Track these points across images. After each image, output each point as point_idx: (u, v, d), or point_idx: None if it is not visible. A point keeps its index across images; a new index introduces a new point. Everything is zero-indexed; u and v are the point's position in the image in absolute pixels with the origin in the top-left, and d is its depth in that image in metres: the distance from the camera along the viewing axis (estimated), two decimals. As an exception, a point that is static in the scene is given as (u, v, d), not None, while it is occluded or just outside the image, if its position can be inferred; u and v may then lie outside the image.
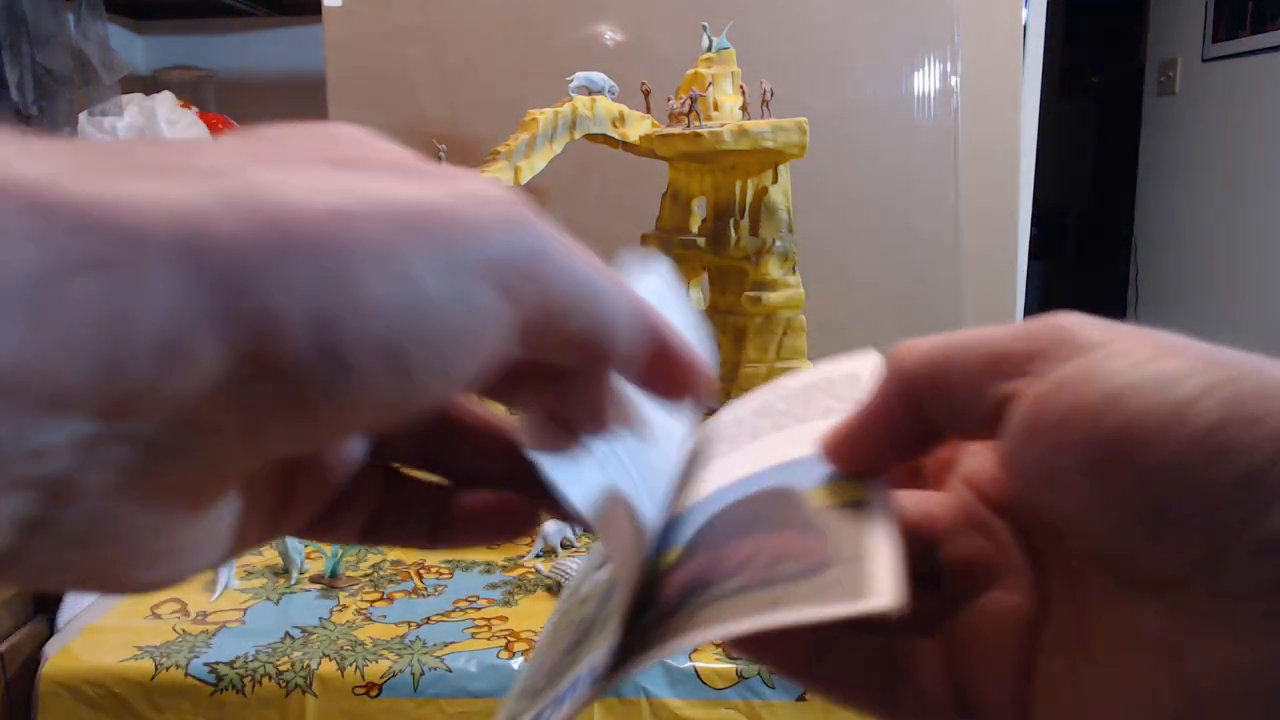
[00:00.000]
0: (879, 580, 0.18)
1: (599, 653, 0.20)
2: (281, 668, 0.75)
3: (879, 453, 0.22)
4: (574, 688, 0.20)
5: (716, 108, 0.93)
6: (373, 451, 0.22)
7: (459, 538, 0.23)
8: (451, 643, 0.79)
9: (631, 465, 0.22)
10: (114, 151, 0.14)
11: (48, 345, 0.12)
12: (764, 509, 0.22)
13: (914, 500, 0.23)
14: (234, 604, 0.85)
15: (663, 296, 0.24)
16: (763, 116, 0.93)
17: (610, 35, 1.30)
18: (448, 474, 0.23)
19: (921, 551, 0.23)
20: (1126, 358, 0.18)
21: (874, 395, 0.21)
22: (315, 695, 0.75)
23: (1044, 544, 0.21)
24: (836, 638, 0.22)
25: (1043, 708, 0.20)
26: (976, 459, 0.23)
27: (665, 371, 0.20)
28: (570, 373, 0.20)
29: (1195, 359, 0.17)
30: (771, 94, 0.94)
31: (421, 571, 0.92)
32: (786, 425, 0.26)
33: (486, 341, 0.16)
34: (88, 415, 0.13)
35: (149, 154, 0.15)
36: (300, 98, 1.69)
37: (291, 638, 0.79)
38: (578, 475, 0.20)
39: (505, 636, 0.80)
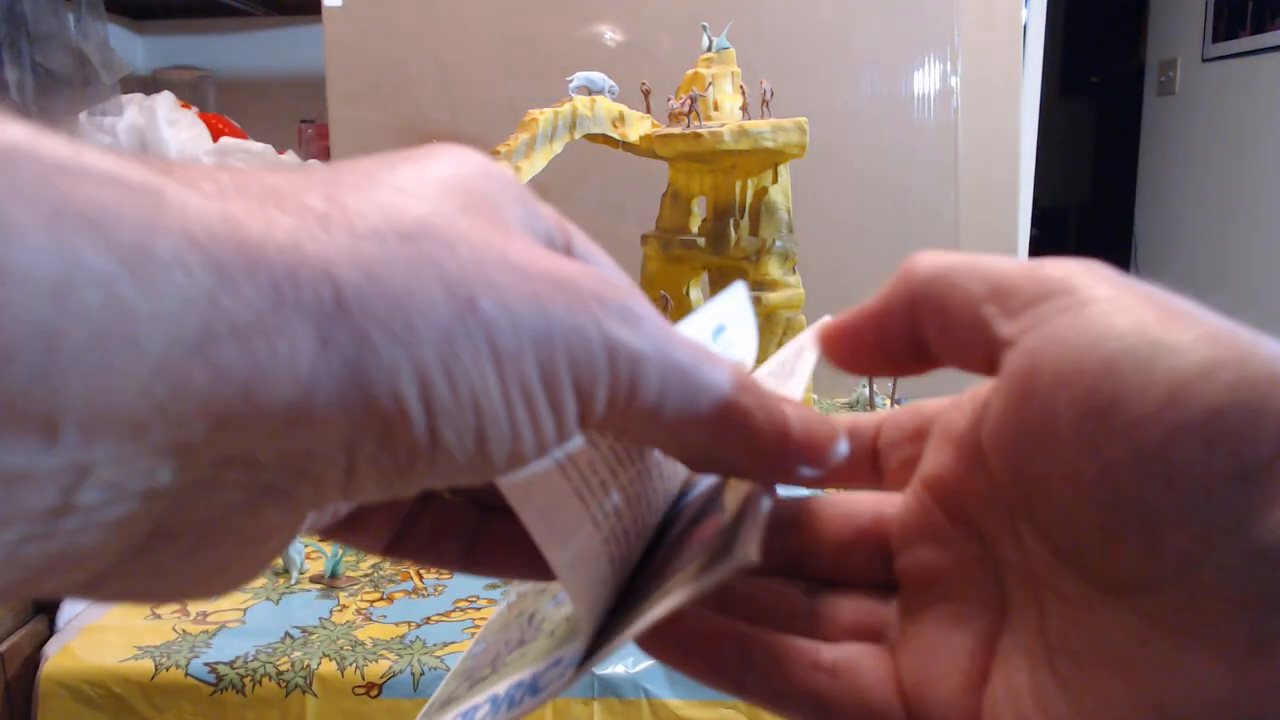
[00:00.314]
0: (739, 541, 0.18)
1: (540, 665, 0.19)
2: (281, 668, 0.75)
3: (872, 355, 0.21)
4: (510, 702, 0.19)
5: (716, 108, 0.93)
6: None
7: (494, 567, 0.22)
8: (451, 643, 0.78)
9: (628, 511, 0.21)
10: (262, 183, 0.15)
11: (180, 404, 0.13)
12: (701, 506, 0.22)
13: (870, 504, 0.22)
14: (234, 604, 0.85)
15: (724, 318, 0.24)
16: (763, 116, 0.93)
17: (610, 35, 1.30)
18: (479, 500, 0.22)
19: (875, 559, 0.22)
20: (1128, 317, 0.16)
21: (879, 297, 0.21)
22: (315, 695, 0.75)
23: (1006, 548, 0.19)
24: (764, 644, 0.20)
25: None
26: (937, 457, 0.21)
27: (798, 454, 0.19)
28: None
29: (1203, 330, 0.16)
30: (771, 94, 0.94)
31: (421, 572, 0.92)
32: None
33: (559, 433, 0.16)
34: (204, 462, 0.13)
35: (294, 186, 0.15)
36: (300, 98, 1.69)
37: (291, 638, 0.79)
38: (562, 519, 0.19)
39: (505, 636, 0.80)
